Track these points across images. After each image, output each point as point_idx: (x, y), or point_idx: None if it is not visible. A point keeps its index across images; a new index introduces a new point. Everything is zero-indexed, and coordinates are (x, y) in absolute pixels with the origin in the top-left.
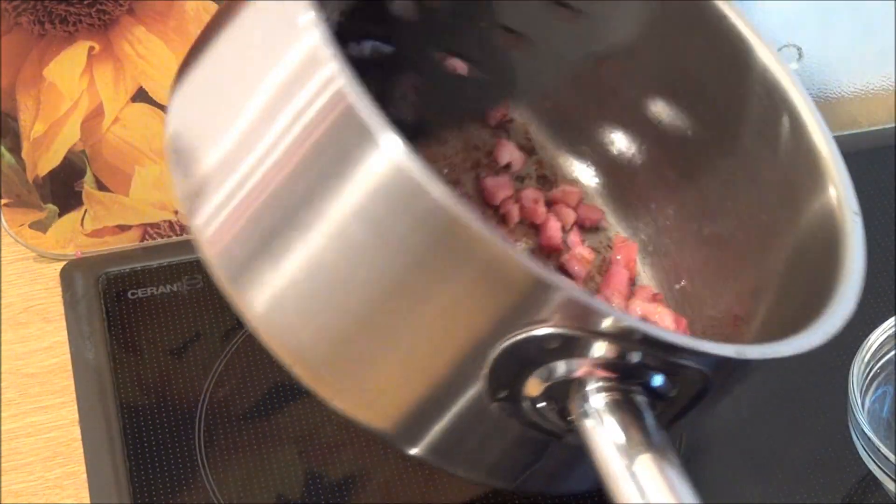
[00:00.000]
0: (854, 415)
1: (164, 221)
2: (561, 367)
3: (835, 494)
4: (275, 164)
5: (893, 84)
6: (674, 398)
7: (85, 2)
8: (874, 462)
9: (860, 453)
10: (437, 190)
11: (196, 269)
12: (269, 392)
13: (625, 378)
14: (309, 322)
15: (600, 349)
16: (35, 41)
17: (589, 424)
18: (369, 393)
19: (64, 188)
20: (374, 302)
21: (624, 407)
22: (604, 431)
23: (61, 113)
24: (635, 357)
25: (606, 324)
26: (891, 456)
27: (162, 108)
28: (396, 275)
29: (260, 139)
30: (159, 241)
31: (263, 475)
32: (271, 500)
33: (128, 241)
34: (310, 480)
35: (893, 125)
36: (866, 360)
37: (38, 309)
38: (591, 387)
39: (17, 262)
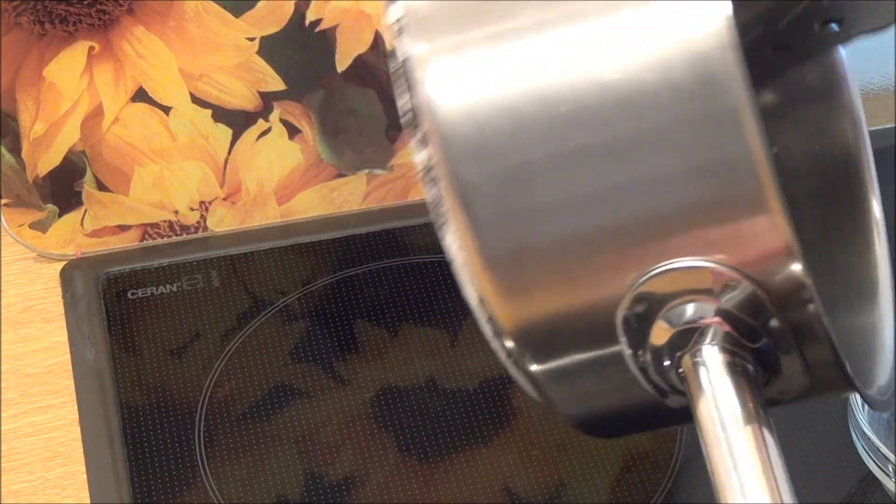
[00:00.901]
0: (854, 415)
1: (164, 221)
2: (691, 311)
3: (835, 494)
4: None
5: (893, 84)
6: (789, 386)
7: (85, 2)
8: (874, 462)
9: (860, 453)
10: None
11: (196, 269)
12: (269, 392)
13: (754, 344)
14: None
15: (750, 304)
16: (35, 41)
17: (701, 381)
18: (520, 278)
19: (64, 188)
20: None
21: (741, 373)
22: (717, 391)
23: (61, 113)
24: (775, 321)
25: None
26: (891, 456)
27: (162, 108)
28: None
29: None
30: (159, 241)
31: (263, 475)
32: (271, 500)
33: (128, 241)
34: (310, 480)
35: (893, 125)
36: None
37: (38, 309)
38: (715, 343)
39: (17, 262)
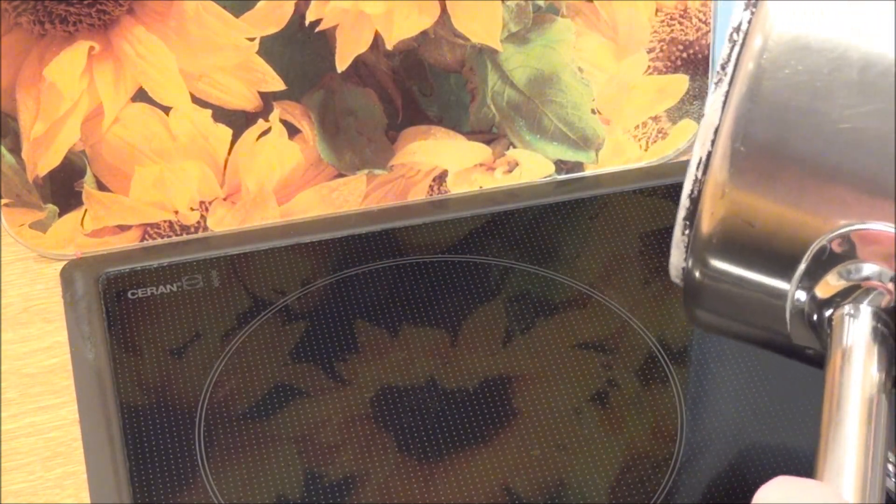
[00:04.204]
0: None
1: (164, 221)
2: (867, 270)
3: None
4: None
5: None
6: None
7: (85, 2)
8: None
9: None
10: None
11: (196, 269)
12: (269, 392)
13: None
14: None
15: None
16: (35, 41)
17: (844, 334)
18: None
19: (64, 188)
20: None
21: (883, 343)
22: (855, 349)
23: (61, 113)
24: None
25: None
26: (891, 456)
27: (162, 108)
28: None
29: None
30: (159, 241)
31: (263, 475)
32: (271, 500)
33: (128, 241)
34: (310, 480)
35: None
36: None
37: (38, 309)
38: (873, 306)
39: (17, 262)
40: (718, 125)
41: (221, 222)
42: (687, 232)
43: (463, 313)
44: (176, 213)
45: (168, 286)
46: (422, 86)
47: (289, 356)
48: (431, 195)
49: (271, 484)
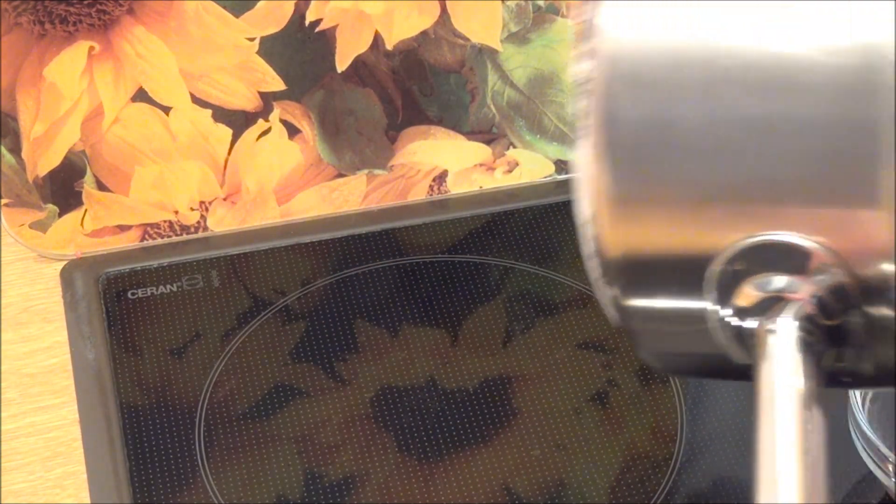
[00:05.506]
0: (854, 415)
1: (164, 221)
2: (778, 282)
3: (835, 494)
4: None
5: None
6: (853, 371)
7: (85, 2)
8: (874, 462)
9: (860, 453)
10: None
11: (196, 269)
12: (269, 392)
13: (829, 323)
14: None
15: (838, 290)
16: (35, 41)
17: (769, 349)
18: (632, 207)
19: (64, 188)
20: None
21: (809, 351)
22: (782, 363)
23: (61, 113)
24: (855, 316)
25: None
26: (891, 456)
27: (162, 108)
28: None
29: None
30: (159, 241)
31: (263, 475)
32: (271, 500)
33: (128, 241)
34: (310, 480)
35: None
36: None
37: (38, 309)
38: (793, 316)
39: (17, 262)
40: (591, 175)
41: (221, 222)
42: (604, 286)
43: (463, 313)
44: (176, 213)
45: (168, 286)
46: (422, 86)
47: (289, 356)
48: (431, 195)
49: (271, 484)
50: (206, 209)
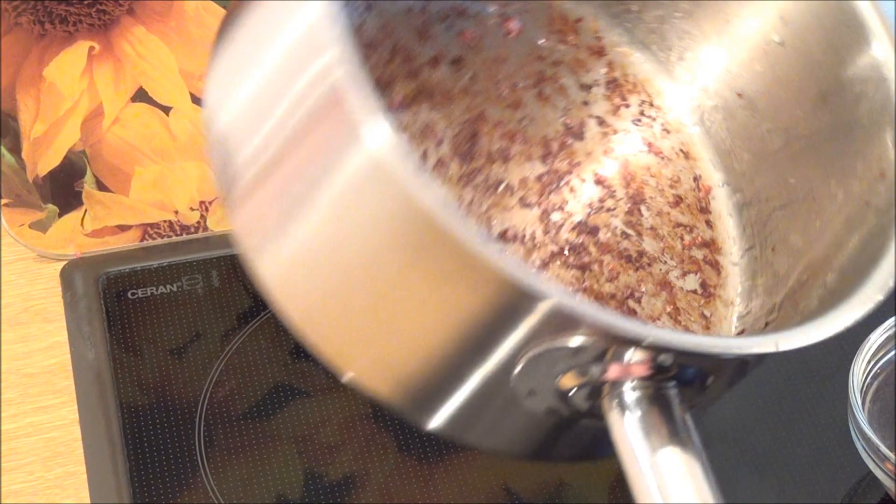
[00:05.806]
0: (854, 415)
1: (164, 221)
2: (593, 370)
3: (835, 494)
4: (280, 151)
5: None
6: (709, 385)
7: (85, 2)
8: (874, 462)
9: (860, 453)
10: (424, 196)
11: (196, 269)
12: (269, 392)
13: (660, 374)
14: (315, 290)
15: (630, 356)
16: (35, 41)
17: (615, 418)
18: (379, 365)
19: (64, 188)
20: (370, 284)
21: (655, 401)
22: (631, 426)
23: (61, 113)
24: (666, 359)
25: (628, 336)
26: (891, 456)
27: (162, 108)
28: (386, 269)
29: (268, 124)
30: (159, 241)
31: (263, 475)
32: (271, 500)
33: (128, 241)
34: (310, 480)
35: None
36: (866, 360)
37: (38, 309)
38: (626, 385)
39: (17, 262)
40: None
41: (221, 222)
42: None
43: None
44: (176, 213)
45: (168, 286)
46: None
47: (289, 356)
48: None
49: (271, 484)
50: (206, 209)
